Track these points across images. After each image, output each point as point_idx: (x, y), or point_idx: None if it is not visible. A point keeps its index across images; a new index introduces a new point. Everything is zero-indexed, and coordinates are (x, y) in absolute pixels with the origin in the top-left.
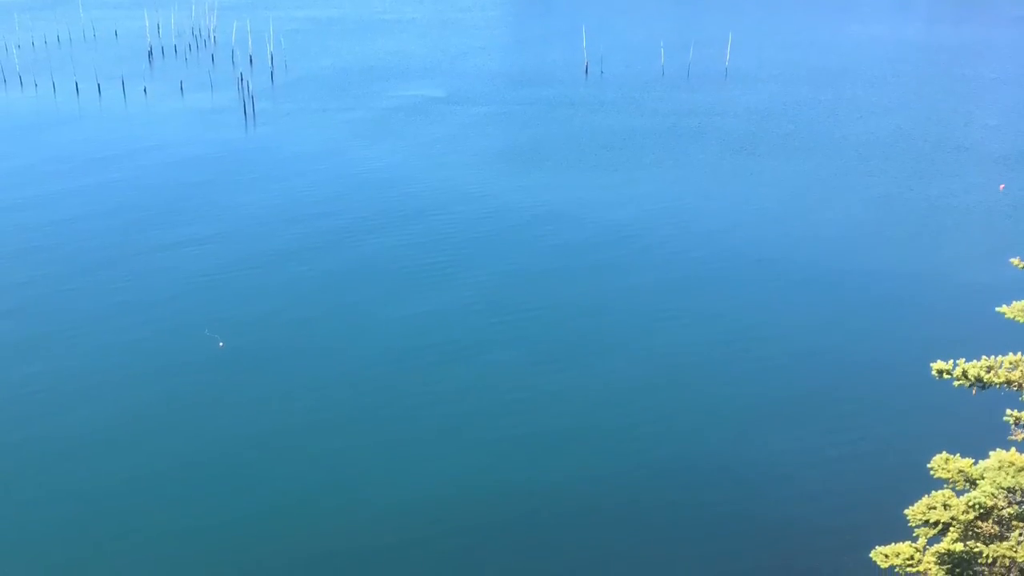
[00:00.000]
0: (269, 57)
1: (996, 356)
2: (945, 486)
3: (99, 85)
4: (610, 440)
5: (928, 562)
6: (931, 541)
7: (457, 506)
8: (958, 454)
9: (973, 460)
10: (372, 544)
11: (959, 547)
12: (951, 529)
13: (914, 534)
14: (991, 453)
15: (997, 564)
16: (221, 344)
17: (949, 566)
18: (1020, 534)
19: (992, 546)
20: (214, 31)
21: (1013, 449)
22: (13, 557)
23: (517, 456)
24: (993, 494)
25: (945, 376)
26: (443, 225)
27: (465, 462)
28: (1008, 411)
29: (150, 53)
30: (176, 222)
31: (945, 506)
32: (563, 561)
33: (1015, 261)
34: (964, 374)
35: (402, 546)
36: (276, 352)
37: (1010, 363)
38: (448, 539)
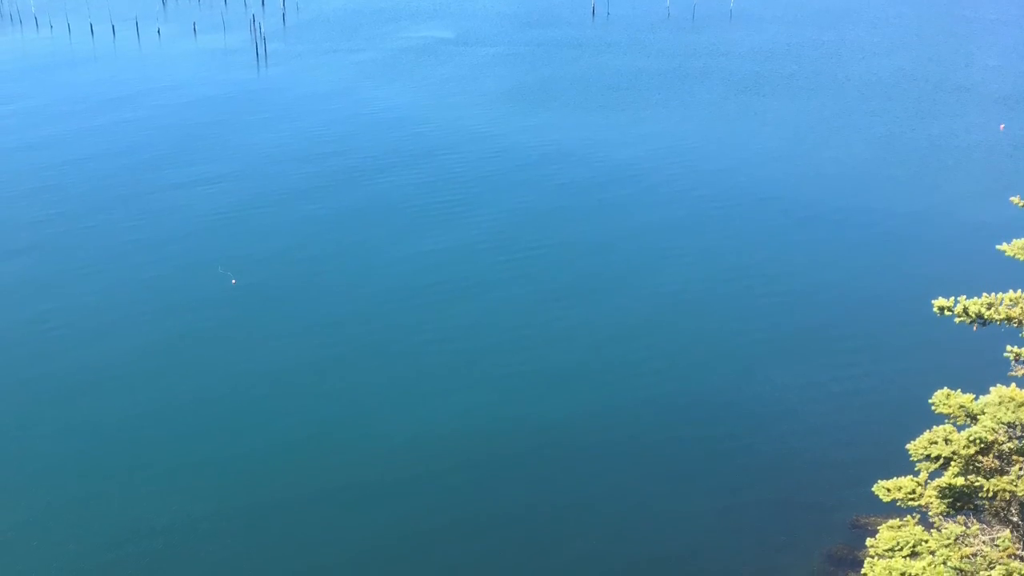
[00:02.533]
0: None
1: (996, 293)
2: (946, 421)
3: (113, 26)
4: (616, 375)
5: (929, 496)
6: (932, 475)
7: (466, 440)
8: (959, 390)
9: (974, 395)
10: (383, 477)
11: (960, 481)
12: (952, 463)
13: (916, 468)
14: (991, 389)
15: (997, 498)
16: (234, 281)
17: (950, 500)
18: (1020, 468)
19: (992, 480)
20: None
21: (1013, 385)
22: (31, 490)
23: (525, 391)
24: (993, 429)
25: (946, 313)
26: (452, 165)
27: (474, 397)
28: (1008, 347)
29: None
30: (189, 161)
31: (946, 441)
32: (570, 494)
33: (1015, 199)
34: (965, 311)
35: (412, 479)
36: (288, 289)
37: (1010, 300)
38: (458, 472)
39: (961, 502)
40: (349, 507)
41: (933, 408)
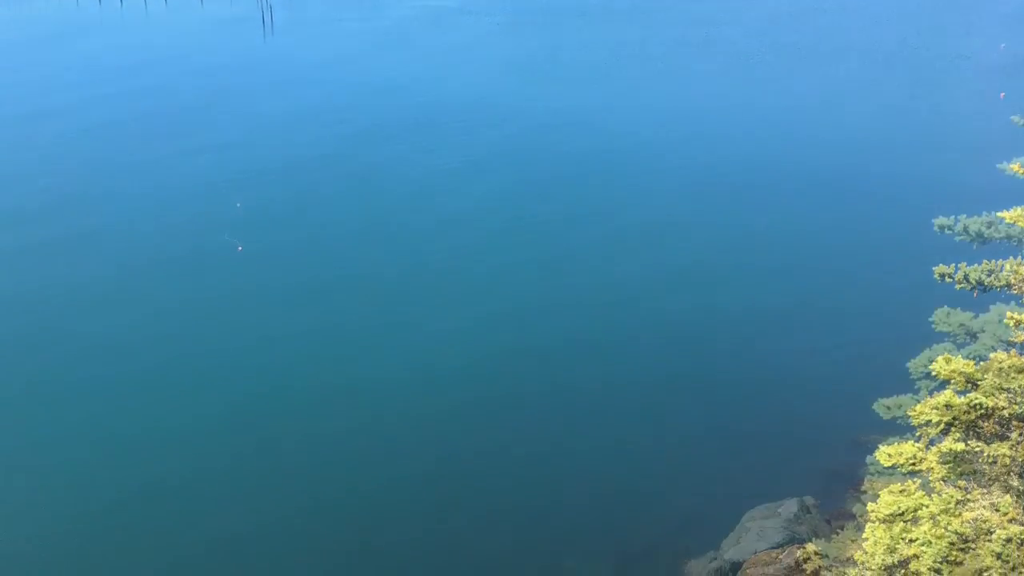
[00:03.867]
0: None
1: (996, 212)
2: (946, 339)
3: None
4: (620, 341)
5: (930, 461)
6: (933, 441)
7: (464, 386)
8: (959, 308)
9: (973, 314)
10: (380, 419)
11: (960, 446)
12: (953, 429)
13: (916, 434)
14: (991, 355)
15: (998, 463)
16: (239, 248)
17: (951, 464)
18: (1020, 434)
19: (993, 445)
20: None
21: (1014, 351)
22: (33, 456)
23: (528, 360)
24: (994, 395)
25: (947, 231)
26: (457, 133)
27: (476, 369)
28: (1008, 314)
29: None
30: (195, 130)
31: (947, 406)
32: (571, 423)
33: (1015, 117)
34: (965, 229)
35: (408, 420)
36: (294, 255)
37: (1010, 218)
38: (453, 413)
39: (962, 467)
40: (352, 444)
41: (933, 326)
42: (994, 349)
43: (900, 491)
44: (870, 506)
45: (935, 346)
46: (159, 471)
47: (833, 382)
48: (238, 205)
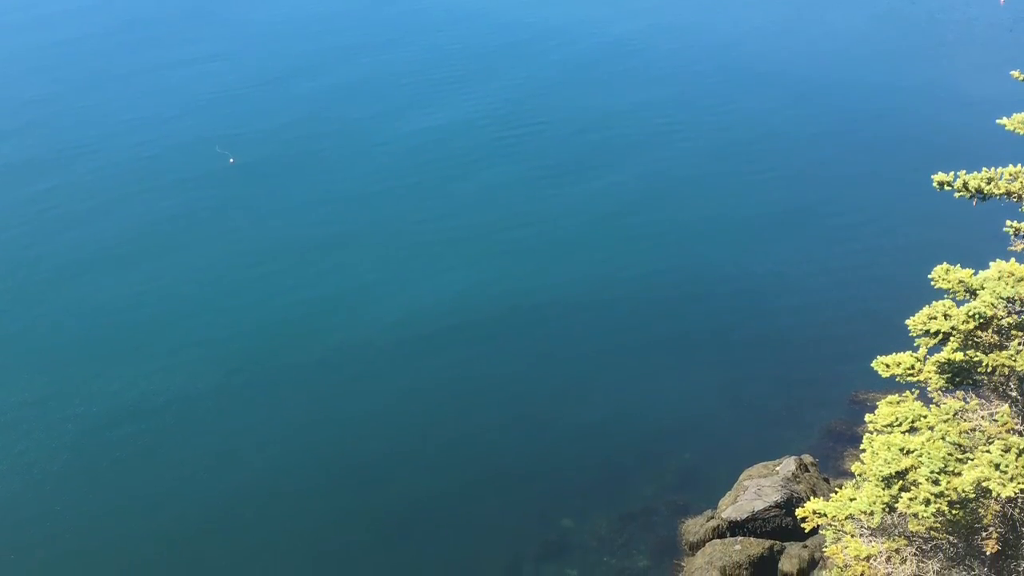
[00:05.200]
0: None
1: (996, 168)
2: (945, 296)
3: None
4: (613, 250)
5: (928, 371)
6: (932, 351)
7: (467, 313)
8: (958, 264)
9: (973, 270)
10: (383, 351)
11: (959, 356)
12: (951, 339)
13: (915, 344)
14: (991, 263)
15: (996, 373)
16: (232, 160)
17: (949, 375)
18: (1019, 343)
19: (991, 355)
20: None
21: (1012, 259)
22: (31, 370)
23: (524, 266)
24: (993, 304)
25: (946, 188)
26: (447, 42)
27: (474, 272)
28: (1008, 222)
29: None
30: (185, 40)
31: (945, 316)
32: (570, 368)
33: (1015, 74)
34: (964, 185)
35: (412, 354)
36: (285, 167)
37: (1010, 174)
38: (458, 346)
39: (960, 377)
40: (350, 381)
41: (932, 283)
42: (994, 306)
43: (898, 402)
44: (868, 417)
45: (934, 303)
46: (148, 391)
47: (831, 341)
48: (231, 161)
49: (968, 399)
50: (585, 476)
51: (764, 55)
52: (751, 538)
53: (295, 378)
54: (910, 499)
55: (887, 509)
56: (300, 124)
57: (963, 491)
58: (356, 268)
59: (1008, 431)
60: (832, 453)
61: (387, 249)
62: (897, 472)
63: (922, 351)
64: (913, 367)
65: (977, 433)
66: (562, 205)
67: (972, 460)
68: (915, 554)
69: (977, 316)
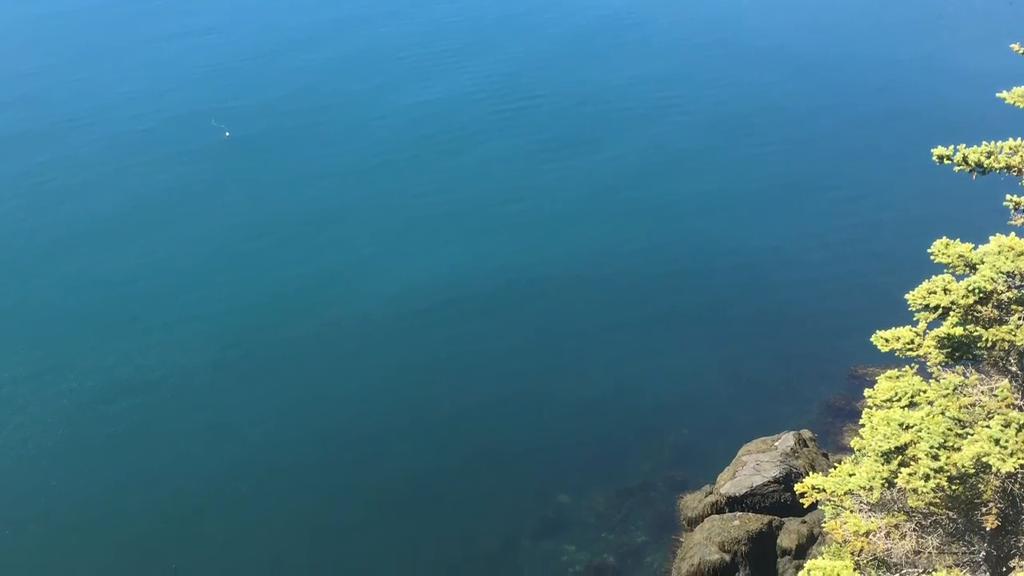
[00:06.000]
0: None
1: (996, 142)
2: (945, 271)
3: None
4: (610, 225)
5: (928, 346)
6: (931, 325)
7: (465, 287)
8: (958, 239)
9: (973, 245)
10: (381, 325)
11: (959, 331)
12: (951, 313)
13: (914, 318)
14: (991, 238)
15: (996, 348)
16: (227, 134)
17: (949, 350)
18: (1019, 318)
19: (991, 330)
20: None
21: (1013, 234)
22: (26, 343)
23: (523, 239)
24: (992, 278)
25: (945, 162)
26: (445, 15)
27: (472, 245)
28: (1008, 196)
29: None
30: (180, 12)
31: (945, 290)
32: (568, 342)
33: (1015, 47)
34: (964, 159)
35: (410, 328)
36: (282, 141)
37: (1010, 148)
38: (455, 320)
39: (960, 352)
40: (346, 355)
41: (932, 257)
42: (994, 281)
43: (897, 376)
44: (867, 392)
45: (934, 277)
46: (144, 365)
47: (830, 315)
48: (227, 134)
49: (968, 374)
50: (583, 452)
51: (763, 29)
52: (750, 513)
53: (291, 352)
54: (909, 474)
55: (886, 484)
56: (296, 97)
57: (963, 466)
58: (353, 242)
59: (1008, 406)
60: (831, 428)
61: (384, 223)
62: (896, 447)
63: (921, 325)
64: (912, 342)
65: (977, 408)
66: (560, 179)
67: (972, 435)
68: (914, 530)
69: (977, 290)
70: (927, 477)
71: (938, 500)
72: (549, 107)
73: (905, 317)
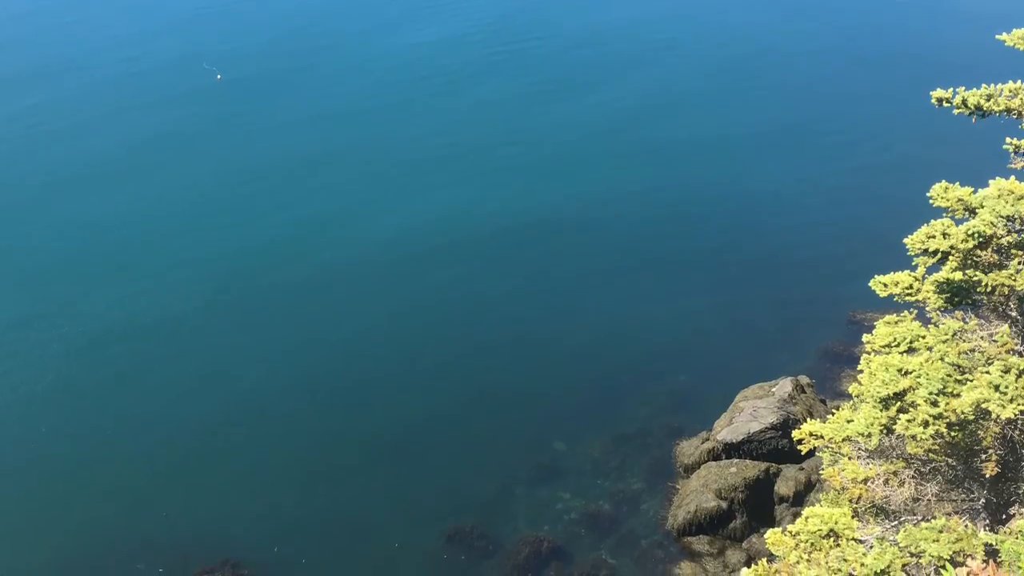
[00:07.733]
0: None
1: (996, 84)
2: (944, 215)
3: None
4: (607, 169)
5: (927, 291)
6: (930, 270)
7: (458, 232)
8: (957, 183)
9: (972, 189)
10: (374, 270)
11: (958, 276)
12: (950, 258)
13: (913, 263)
14: (991, 182)
15: (996, 293)
16: (219, 77)
17: (948, 295)
18: (1019, 263)
19: (991, 275)
20: None
21: (1012, 177)
22: (15, 289)
23: (517, 184)
24: (992, 223)
25: (944, 104)
26: None
27: (466, 190)
28: (1008, 139)
29: None
30: None
31: (944, 235)
32: (563, 287)
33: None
34: (964, 102)
35: (404, 273)
36: (274, 83)
37: (1010, 91)
38: (449, 265)
39: (959, 297)
40: (339, 300)
41: (931, 201)
42: (993, 225)
43: (896, 322)
44: (866, 337)
45: (933, 222)
46: (135, 311)
47: (828, 260)
48: (219, 77)
49: (967, 319)
50: (578, 398)
51: None
52: (747, 460)
53: (283, 298)
54: (908, 421)
55: (885, 431)
56: (289, 39)
57: (962, 413)
58: (346, 186)
59: (1008, 352)
60: (829, 374)
61: (378, 167)
62: (895, 393)
63: (920, 270)
64: (911, 287)
65: (976, 354)
66: (555, 122)
67: (971, 381)
68: (913, 476)
69: (976, 235)
70: (926, 424)
71: (937, 447)
72: (545, 49)
73: (904, 262)
